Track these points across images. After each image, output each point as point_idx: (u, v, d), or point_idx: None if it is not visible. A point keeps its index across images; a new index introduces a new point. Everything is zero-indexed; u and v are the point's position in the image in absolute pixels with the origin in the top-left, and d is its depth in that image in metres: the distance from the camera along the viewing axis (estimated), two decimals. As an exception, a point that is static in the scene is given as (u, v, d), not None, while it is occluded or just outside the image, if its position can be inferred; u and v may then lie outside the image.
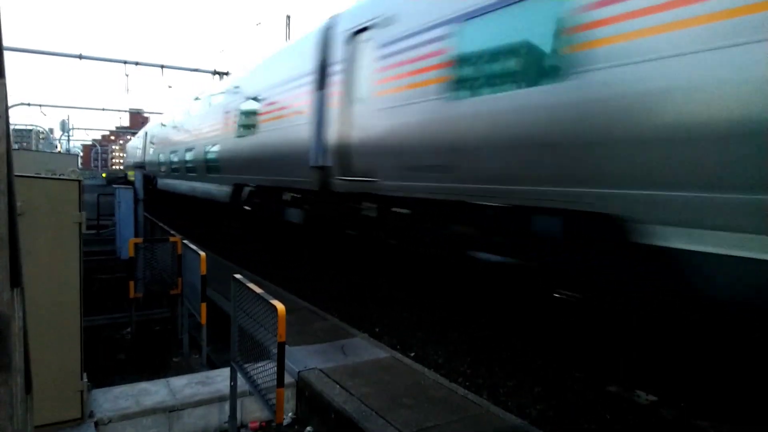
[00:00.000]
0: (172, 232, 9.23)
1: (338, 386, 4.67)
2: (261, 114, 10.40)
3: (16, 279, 1.60)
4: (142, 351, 8.21)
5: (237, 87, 12.38)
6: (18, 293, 1.70)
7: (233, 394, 4.45)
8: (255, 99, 10.84)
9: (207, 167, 13.98)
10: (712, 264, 3.33)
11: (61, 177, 4.80)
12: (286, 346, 3.75)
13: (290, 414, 4.94)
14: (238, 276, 4.46)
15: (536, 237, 4.71)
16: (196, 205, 17.97)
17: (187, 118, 17.45)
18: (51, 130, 64.93)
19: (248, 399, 4.74)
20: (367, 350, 5.68)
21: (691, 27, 3.33)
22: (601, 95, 3.84)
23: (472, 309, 7.30)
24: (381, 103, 6.39)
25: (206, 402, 4.72)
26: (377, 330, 6.95)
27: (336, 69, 7.54)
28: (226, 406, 4.61)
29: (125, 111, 54.17)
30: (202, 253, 6.45)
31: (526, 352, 6.01)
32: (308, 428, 4.71)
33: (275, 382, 3.67)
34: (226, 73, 22.21)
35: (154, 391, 4.77)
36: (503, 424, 4.01)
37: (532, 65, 4.53)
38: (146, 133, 27.07)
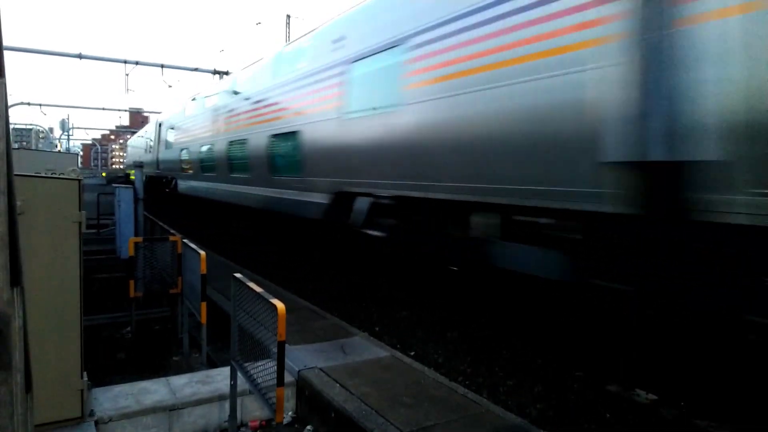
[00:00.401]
0: (172, 231, 9.22)
1: (338, 385, 4.67)
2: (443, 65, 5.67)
3: (16, 278, 1.60)
4: (142, 350, 8.21)
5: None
6: (18, 292, 1.70)
7: (233, 393, 4.45)
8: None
9: (277, 166, 9.85)
10: None
11: (61, 176, 4.79)
12: (286, 345, 3.74)
13: (290, 413, 4.94)
14: (238, 275, 4.46)
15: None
16: (240, 215, 14.40)
17: (233, 100, 12.54)
18: (51, 130, 64.91)
19: (248, 398, 4.74)
20: (367, 349, 5.68)
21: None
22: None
23: (472, 309, 7.30)
24: None
25: (206, 401, 4.72)
26: (377, 329, 6.96)
27: None
28: (226, 405, 4.61)
29: (125, 110, 54.12)
30: (202, 252, 6.45)
31: (526, 351, 6.01)
32: (308, 427, 4.71)
33: (275, 381, 3.67)
34: (226, 73, 22.02)
35: (154, 390, 4.77)
36: (503, 424, 4.01)
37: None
38: (160, 125, 21.51)
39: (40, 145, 53.34)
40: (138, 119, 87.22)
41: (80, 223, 4.03)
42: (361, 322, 7.14)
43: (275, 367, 3.67)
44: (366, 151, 6.95)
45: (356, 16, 7.89)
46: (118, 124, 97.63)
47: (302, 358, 5.33)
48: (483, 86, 5.07)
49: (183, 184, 17.39)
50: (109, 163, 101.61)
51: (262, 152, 10.12)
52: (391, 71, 6.50)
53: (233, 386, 4.44)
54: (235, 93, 12.45)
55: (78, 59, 21.33)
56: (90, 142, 72.78)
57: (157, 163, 21.27)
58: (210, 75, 23.50)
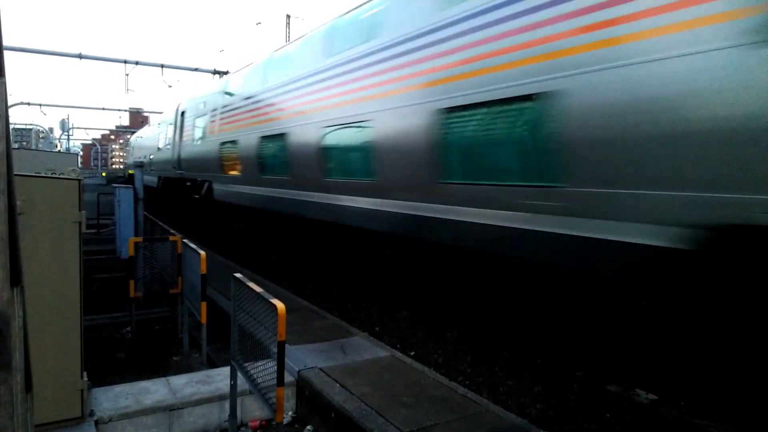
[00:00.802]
0: (172, 231, 9.22)
1: (338, 385, 4.67)
2: None
3: (16, 278, 1.60)
4: (142, 350, 8.20)
5: None
6: (18, 292, 1.70)
7: (233, 393, 4.45)
8: None
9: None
10: None
11: (61, 176, 4.79)
12: (286, 345, 3.75)
13: (290, 413, 4.94)
14: (238, 275, 4.46)
15: None
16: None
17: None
18: (51, 130, 64.99)
19: (248, 398, 4.75)
20: (367, 349, 5.68)
21: None
22: None
23: (472, 309, 7.30)
24: None
25: (206, 401, 4.72)
26: (377, 329, 6.96)
27: None
28: (226, 405, 4.61)
29: (125, 110, 54.10)
30: (202, 252, 6.44)
31: (526, 351, 6.01)
32: (308, 427, 4.72)
33: (275, 381, 3.67)
34: (226, 72, 22.00)
35: (154, 390, 4.77)
36: (503, 423, 4.01)
37: None
38: (182, 114, 16.80)
39: (40, 145, 53.42)
40: (138, 119, 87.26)
41: (80, 223, 4.03)
42: (361, 322, 7.14)
43: (275, 367, 3.67)
44: None
45: None
46: (118, 124, 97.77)
47: (302, 358, 5.33)
48: None
49: (222, 189, 13.12)
50: (109, 163, 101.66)
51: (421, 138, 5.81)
52: None
53: (233, 386, 4.44)
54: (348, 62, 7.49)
55: (78, 59, 21.34)
56: (90, 142, 72.78)
57: (178, 161, 16.79)
58: (210, 75, 23.51)
